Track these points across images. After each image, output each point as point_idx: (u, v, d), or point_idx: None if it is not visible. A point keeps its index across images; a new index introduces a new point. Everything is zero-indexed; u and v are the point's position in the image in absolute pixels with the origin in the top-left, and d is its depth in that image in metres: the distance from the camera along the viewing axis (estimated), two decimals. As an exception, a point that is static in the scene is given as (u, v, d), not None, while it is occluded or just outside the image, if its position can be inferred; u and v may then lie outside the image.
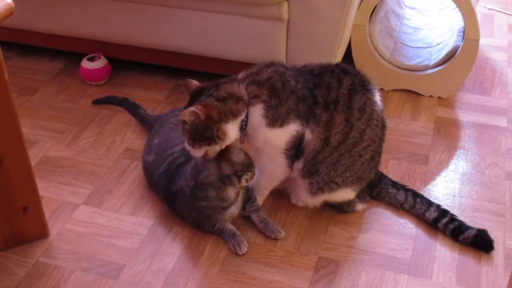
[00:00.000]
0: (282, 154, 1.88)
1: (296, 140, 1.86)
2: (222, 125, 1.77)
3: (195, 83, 1.88)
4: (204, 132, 1.77)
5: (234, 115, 1.79)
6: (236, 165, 1.83)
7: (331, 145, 1.86)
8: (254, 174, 1.87)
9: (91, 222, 2.01)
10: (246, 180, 1.86)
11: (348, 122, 1.86)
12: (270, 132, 1.83)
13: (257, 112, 1.82)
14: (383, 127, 1.95)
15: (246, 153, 1.87)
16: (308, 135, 1.85)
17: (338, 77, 1.86)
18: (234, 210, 1.92)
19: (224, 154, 1.83)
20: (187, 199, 1.90)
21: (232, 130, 1.80)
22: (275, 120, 1.81)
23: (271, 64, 1.89)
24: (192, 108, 1.75)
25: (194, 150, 1.81)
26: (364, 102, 1.87)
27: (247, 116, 1.81)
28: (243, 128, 1.83)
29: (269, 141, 1.85)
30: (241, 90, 1.81)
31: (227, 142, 1.81)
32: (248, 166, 1.85)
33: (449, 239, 1.95)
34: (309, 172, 1.90)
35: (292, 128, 1.83)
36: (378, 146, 1.95)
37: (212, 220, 1.92)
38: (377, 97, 1.91)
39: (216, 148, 1.81)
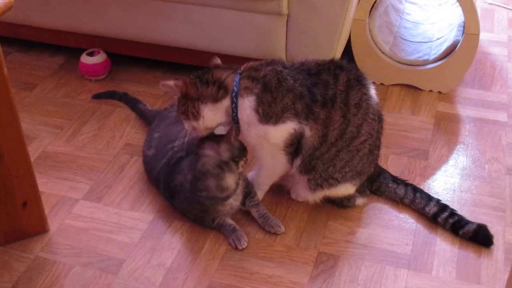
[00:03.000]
0: (281, 151, 1.88)
1: (295, 138, 1.86)
2: (198, 103, 1.85)
3: (217, 61, 1.95)
4: (182, 106, 1.88)
5: (213, 99, 1.85)
6: (234, 149, 1.85)
7: (329, 141, 1.86)
8: (247, 159, 1.91)
9: (91, 217, 2.01)
10: (242, 166, 1.89)
11: (345, 118, 1.86)
12: (264, 128, 1.84)
13: (247, 105, 1.83)
14: (379, 120, 1.95)
15: (239, 140, 1.90)
16: (307, 132, 1.85)
17: (334, 73, 1.87)
18: (234, 202, 1.92)
19: (222, 137, 1.86)
20: (187, 193, 1.90)
21: (209, 112, 1.86)
22: (268, 117, 1.82)
23: (271, 62, 1.89)
24: (170, 82, 1.88)
25: (183, 121, 1.91)
26: (360, 98, 1.87)
27: (236, 108, 1.84)
28: (234, 120, 1.86)
29: (264, 138, 1.86)
30: (230, 79, 1.85)
31: (205, 122, 1.86)
32: (243, 150, 1.89)
33: (449, 234, 1.95)
34: (306, 168, 1.90)
35: (289, 127, 1.83)
36: (376, 140, 1.95)
37: (212, 214, 1.92)
38: (372, 91, 1.91)
39: (195, 125, 1.87)
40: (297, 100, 1.82)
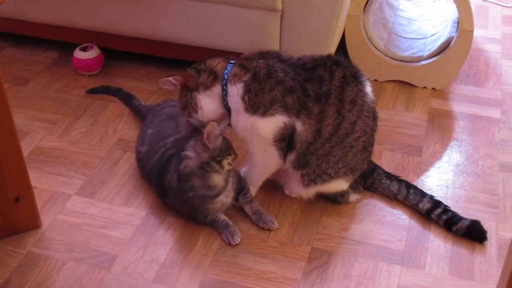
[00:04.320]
0: (272, 145, 1.88)
1: (286, 132, 1.85)
2: (195, 94, 1.90)
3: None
4: (183, 99, 1.92)
5: (205, 87, 1.89)
6: (213, 150, 1.82)
7: (323, 136, 1.86)
8: (235, 156, 1.88)
9: (84, 212, 2.00)
10: (229, 164, 1.85)
11: (339, 114, 1.85)
12: (251, 119, 1.83)
13: (235, 92, 1.84)
14: (374, 117, 1.94)
15: (224, 138, 1.87)
16: (299, 127, 1.85)
17: (330, 69, 1.86)
18: (224, 199, 1.91)
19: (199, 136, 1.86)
20: (175, 192, 1.90)
21: (205, 103, 1.90)
22: (255, 107, 1.82)
23: (266, 54, 1.89)
24: (169, 78, 1.92)
25: (187, 117, 1.95)
26: (355, 94, 1.87)
27: (226, 95, 1.86)
28: (226, 109, 1.88)
29: (253, 130, 1.85)
30: (220, 66, 1.89)
31: (205, 114, 1.91)
32: (227, 150, 1.85)
33: (442, 230, 1.95)
34: (300, 164, 1.90)
35: (278, 120, 1.83)
36: (370, 137, 1.95)
37: (204, 211, 1.92)
38: (368, 88, 1.91)
39: (197, 118, 1.92)
40: (287, 94, 1.82)
